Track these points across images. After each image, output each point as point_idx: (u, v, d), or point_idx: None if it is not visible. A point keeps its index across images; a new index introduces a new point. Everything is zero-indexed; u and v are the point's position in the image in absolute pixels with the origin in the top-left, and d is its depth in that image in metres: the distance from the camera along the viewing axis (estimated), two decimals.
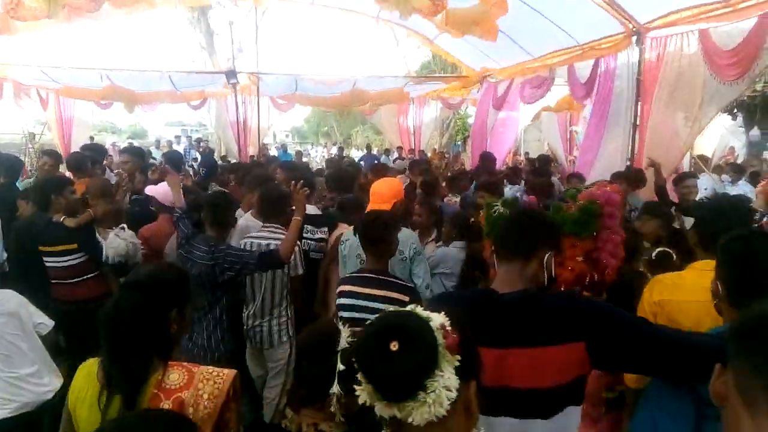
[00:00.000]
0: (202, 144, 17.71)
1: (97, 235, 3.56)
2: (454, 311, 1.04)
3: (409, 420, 0.93)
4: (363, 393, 0.99)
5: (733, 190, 9.30)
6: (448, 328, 0.99)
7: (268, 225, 3.53)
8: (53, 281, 3.53)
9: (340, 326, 1.43)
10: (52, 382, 2.69)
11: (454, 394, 0.94)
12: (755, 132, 13.21)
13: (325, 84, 11.38)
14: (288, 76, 11.13)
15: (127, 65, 10.74)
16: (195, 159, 14.74)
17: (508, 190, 6.05)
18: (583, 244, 1.90)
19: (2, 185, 4.76)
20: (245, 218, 4.01)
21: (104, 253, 3.51)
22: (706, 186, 8.94)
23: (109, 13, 6.81)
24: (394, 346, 0.95)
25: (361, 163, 13.16)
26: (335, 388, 1.36)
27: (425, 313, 1.01)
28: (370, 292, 2.63)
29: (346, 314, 2.65)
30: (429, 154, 13.66)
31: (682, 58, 5.13)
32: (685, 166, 10.99)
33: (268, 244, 3.37)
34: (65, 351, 3.92)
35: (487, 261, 3.27)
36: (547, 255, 1.61)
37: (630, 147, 5.97)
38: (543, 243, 1.61)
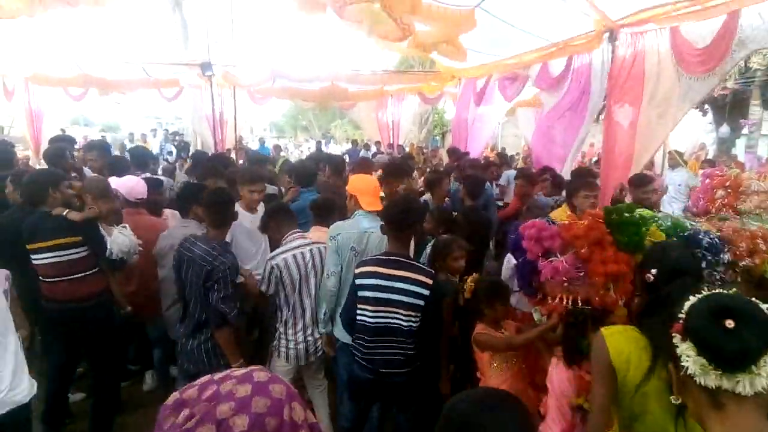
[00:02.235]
0: (177, 138, 17.45)
1: (102, 229, 3.51)
2: None
3: (737, 390, 1.10)
4: (692, 364, 1.15)
5: None
6: None
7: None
8: (47, 280, 3.39)
9: None
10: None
11: None
12: (725, 129, 13.54)
13: (303, 78, 11.33)
14: (265, 69, 11.01)
15: (99, 55, 10.47)
16: (170, 153, 14.51)
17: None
18: None
19: None
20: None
21: (108, 248, 3.47)
22: (680, 181, 9.18)
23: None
24: (729, 323, 1.11)
25: (346, 157, 13.17)
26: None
27: (751, 299, 1.19)
28: (394, 273, 2.74)
29: (369, 294, 2.75)
30: (407, 149, 13.70)
31: (654, 56, 5.20)
32: (658, 160, 11.25)
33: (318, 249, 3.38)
34: (39, 354, 3.84)
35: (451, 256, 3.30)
36: None
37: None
38: None
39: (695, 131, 14.22)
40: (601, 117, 6.49)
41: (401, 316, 2.73)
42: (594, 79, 6.23)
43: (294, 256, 3.30)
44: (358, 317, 2.83)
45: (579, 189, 4.08)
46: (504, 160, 9.34)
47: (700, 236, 2.31)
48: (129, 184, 4.13)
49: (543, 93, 7.51)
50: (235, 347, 3.12)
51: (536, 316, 2.52)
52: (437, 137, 23.26)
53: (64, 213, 3.34)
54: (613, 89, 5.76)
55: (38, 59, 9.65)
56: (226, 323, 3.02)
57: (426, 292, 2.72)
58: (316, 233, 3.78)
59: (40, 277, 3.39)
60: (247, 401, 0.88)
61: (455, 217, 4.25)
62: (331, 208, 3.92)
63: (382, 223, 2.91)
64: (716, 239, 2.31)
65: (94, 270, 3.47)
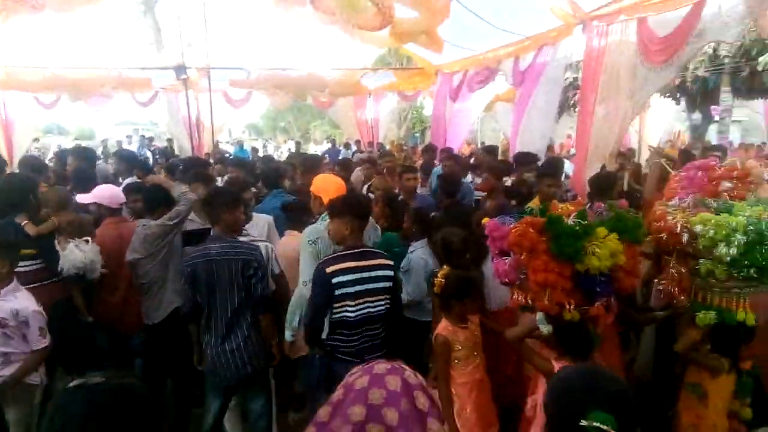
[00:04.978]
0: (153, 143, 17.22)
1: (56, 244, 3.43)
2: None
3: None
4: None
5: None
6: None
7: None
8: None
9: None
10: None
11: None
12: (696, 116, 13.78)
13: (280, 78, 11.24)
14: (241, 71, 10.92)
15: (71, 63, 10.31)
16: (146, 158, 14.29)
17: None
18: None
19: None
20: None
21: (60, 263, 3.39)
22: None
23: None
24: None
25: (326, 156, 13.01)
26: None
27: None
28: (367, 264, 2.84)
29: (350, 289, 2.76)
30: (388, 147, 13.70)
31: (620, 45, 5.28)
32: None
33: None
34: None
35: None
36: None
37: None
38: None
39: (668, 119, 14.46)
40: (577, 109, 6.62)
41: (380, 302, 2.87)
42: (553, 69, 6.50)
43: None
44: (336, 314, 2.78)
45: (542, 177, 4.57)
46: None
47: None
48: (106, 194, 4.05)
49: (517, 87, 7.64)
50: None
51: (544, 329, 2.31)
52: (416, 134, 23.32)
53: (23, 224, 3.28)
54: (585, 80, 5.84)
55: (8, 65, 9.47)
56: (267, 307, 3.18)
57: (391, 273, 2.91)
58: (290, 237, 3.77)
59: None
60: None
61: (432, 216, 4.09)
62: (305, 211, 3.87)
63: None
64: None
65: (51, 280, 3.43)
